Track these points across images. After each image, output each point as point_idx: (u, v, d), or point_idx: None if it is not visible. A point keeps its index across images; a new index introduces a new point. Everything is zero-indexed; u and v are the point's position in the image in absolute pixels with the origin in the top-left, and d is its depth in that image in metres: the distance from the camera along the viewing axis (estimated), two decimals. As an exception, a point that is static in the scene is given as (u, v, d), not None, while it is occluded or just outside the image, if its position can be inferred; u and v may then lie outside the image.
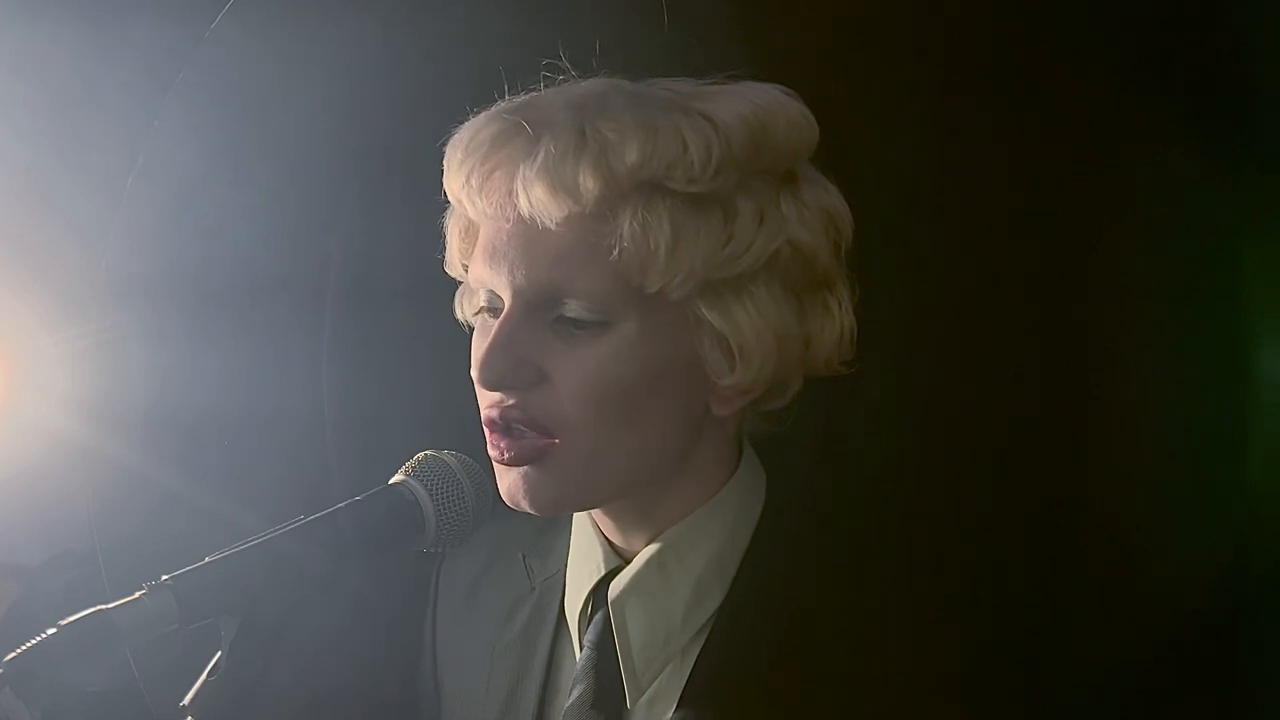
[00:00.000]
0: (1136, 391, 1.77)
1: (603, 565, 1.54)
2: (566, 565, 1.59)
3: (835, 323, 1.50)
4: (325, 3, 1.94)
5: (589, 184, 1.41)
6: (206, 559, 1.35)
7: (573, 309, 1.45)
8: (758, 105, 1.47)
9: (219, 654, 1.35)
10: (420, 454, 1.48)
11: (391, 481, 1.47)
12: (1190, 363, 1.77)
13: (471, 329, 1.55)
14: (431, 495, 1.45)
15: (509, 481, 1.48)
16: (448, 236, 1.57)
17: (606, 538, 1.55)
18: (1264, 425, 1.74)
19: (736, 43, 1.74)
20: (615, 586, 1.53)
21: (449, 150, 1.49)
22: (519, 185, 1.43)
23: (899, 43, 1.78)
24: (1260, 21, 1.72)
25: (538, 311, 1.46)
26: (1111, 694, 1.73)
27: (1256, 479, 1.74)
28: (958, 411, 1.78)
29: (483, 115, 1.49)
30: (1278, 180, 1.72)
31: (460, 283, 1.59)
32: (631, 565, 1.53)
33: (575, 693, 1.53)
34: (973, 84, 1.76)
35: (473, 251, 1.52)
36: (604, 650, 1.53)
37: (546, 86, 1.52)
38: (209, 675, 1.35)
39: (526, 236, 1.45)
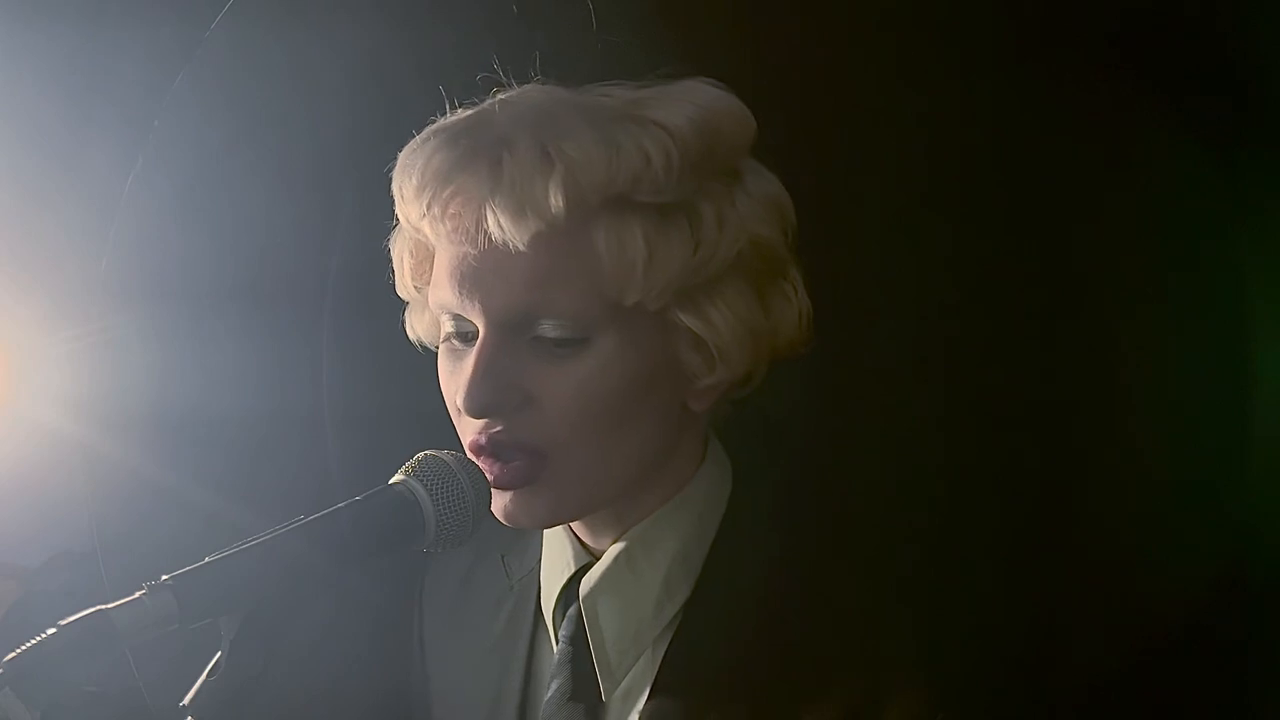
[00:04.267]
0: (1136, 391, 1.77)
1: (573, 563, 1.55)
2: (541, 563, 1.60)
3: (794, 308, 1.52)
4: (326, 4, 1.94)
5: (558, 203, 1.41)
6: (207, 559, 1.35)
7: (551, 329, 1.45)
8: (701, 105, 1.48)
9: (219, 654, 1.35)
10: (420, 454, 1.48)
11: (391, 481, 1.47)
12: (1191, 363, 1.77)
13: (425, 348, 1.56)
14: (431, 495, 1.45)
15: (504, 502, 1.48)
16: (395, 257, 1.56)
17: (576, 535, 1.56)
18: (1265, 427, 1.73)
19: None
20: (586, 583, 1.54)
21: (399, 177, 1.48)
22: (486, 210, 1.42)
23: (892, 33, 1.78)
24: (1260, 19, 1.72)
25: (514, 334, 1.46)
26: (1110, 696, 1.73)
27: (1257, 480, 1.74)
28: (951, 409, 1.78)
29: (431, 138, 1.48)
30: (1279, 180, 1.72)
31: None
32: (601, 562, 1.53)
33: (553, 686, 1.55)
34: (967, 78, 1.76)
35: (425, 272, 1.53)
36: (578, 645, 1.54)
37: (483, 97, 1.51)
38: (209, 675, 1.35)
39: (496, 261, 1.45)
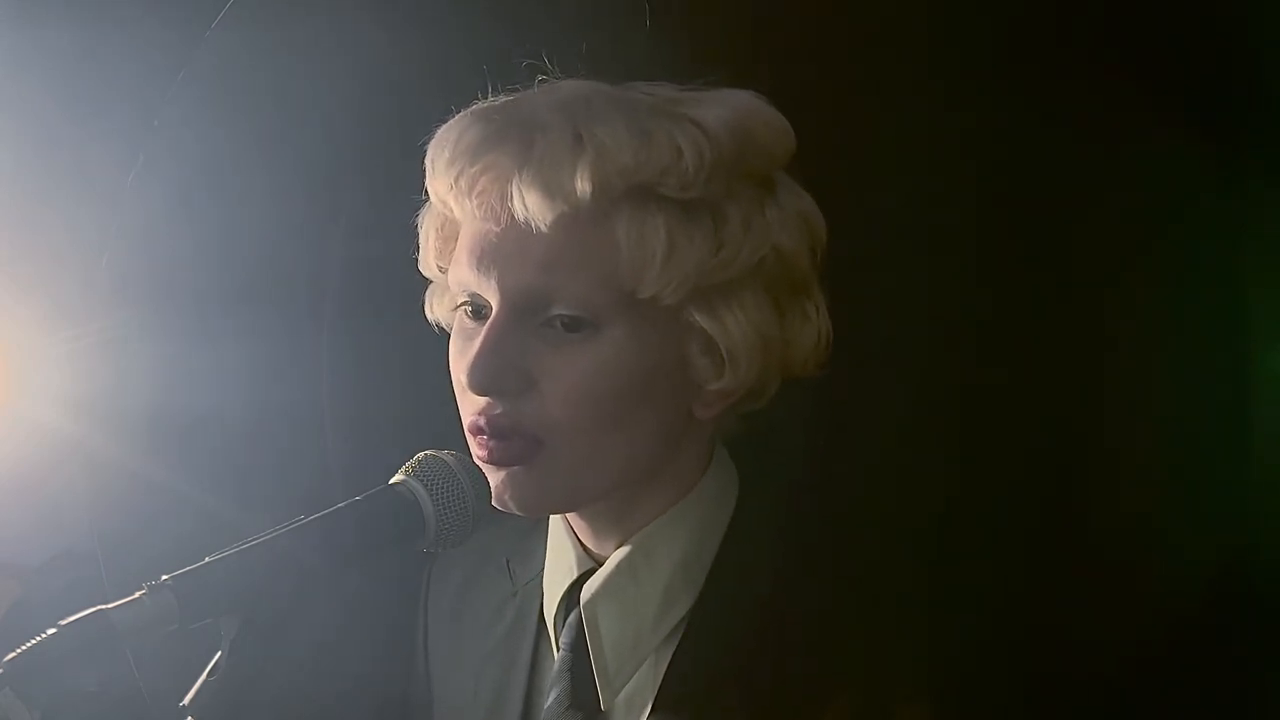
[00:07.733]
0: (1137, 393, 1.77)
1: (575, 568, 1.55)
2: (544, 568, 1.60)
3: (813, 327, 1.52)
4: (328, 3, 1.94)
5: (584, 187, 1.41)
6: (207, 559, 1.35)
7: (562, 310, 1.45)
8: (740, 110, 1.49)
9: (219, 654, 1.35)
10: (420, 454, 1.48)
11: (391, 481, 1.47)
12: (1191, 363, 1.77)
13: (441, 329, 1.56)
14: (431, 495, 1.45)
15: (495, 481, 1.48)
16: (422, 235, 1.57)
17: (580, 540, 1.55)
18: (1265, 427, 1.74)
19: (717, 46, 1.75)
20: (587, 589, 1.53)
21: (433, 150, 1.49)
22: (513, 187, 1.43)
23: (890, 45, 1.78)
24: (1261, 22, 1.72)
25: (526, 316, 1.46)
26: (1110, 694, 1.73)
27: (1257, 480, 1.74)
28: (953, 417, 1.78)
29: (467, 115, 1.49)
30: (1279, 180, 1.72)
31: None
32: (602, 568, 1.53)
33: (553, 694, 1.54)
34: (971, 90, 1.76)
35: (450, 251, 1.53)
36: (578, 652, 1.53)
37: (528, 87, 1.52)
38: (209, 675, 1.35)
39: (517, 240, 1.45)
